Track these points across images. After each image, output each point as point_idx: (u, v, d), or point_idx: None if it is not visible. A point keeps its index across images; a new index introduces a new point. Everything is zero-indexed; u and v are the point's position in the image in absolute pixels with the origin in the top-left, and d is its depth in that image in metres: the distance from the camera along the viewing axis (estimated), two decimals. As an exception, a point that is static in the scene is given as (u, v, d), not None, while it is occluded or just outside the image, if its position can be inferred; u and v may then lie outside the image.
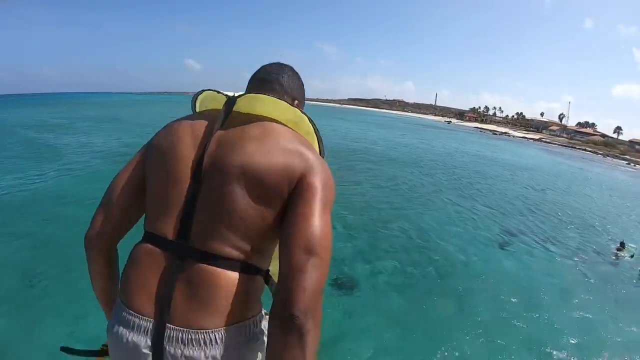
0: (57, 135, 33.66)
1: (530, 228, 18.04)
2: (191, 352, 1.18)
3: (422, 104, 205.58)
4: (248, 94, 1.39)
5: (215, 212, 1.23)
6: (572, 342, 8.73)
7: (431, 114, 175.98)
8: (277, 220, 1.25)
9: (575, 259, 14.54)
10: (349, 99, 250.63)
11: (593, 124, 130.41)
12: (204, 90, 1.51)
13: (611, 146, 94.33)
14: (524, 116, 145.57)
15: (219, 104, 1.41)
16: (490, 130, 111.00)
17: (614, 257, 15.27)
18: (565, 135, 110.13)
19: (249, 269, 1.27)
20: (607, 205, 26.77)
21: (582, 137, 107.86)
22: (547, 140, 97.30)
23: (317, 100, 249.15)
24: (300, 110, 1.42)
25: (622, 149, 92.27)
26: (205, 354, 1.18)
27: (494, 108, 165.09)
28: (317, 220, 1.18)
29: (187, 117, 1.47)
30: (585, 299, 11.17)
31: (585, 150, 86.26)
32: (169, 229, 1.27)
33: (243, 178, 1.22)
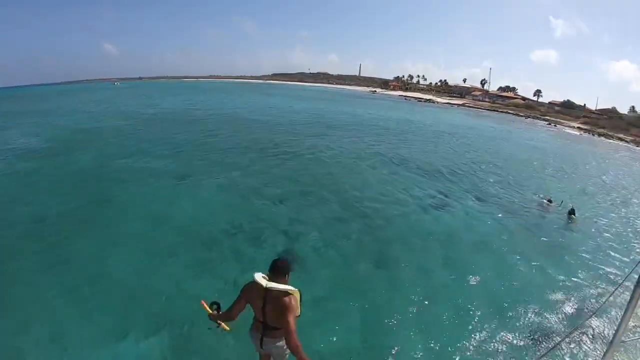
0: None
1: (462, 188, 19.77)
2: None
3: (347, 76, 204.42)
4: (271, 282, 4.55)
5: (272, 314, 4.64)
6: (515, 284, 10.39)
7: (355, 84, 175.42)
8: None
9: (508, 212, 16.61)
10: (273, 75, 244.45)
11: (514, 88, 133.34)
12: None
13: (532, 108, 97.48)
14: (447, 83, 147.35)
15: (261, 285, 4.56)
16: (415, 98, 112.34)
17: (544, 208, 17.53)
18: (487, 100, 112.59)
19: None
20: (532, 162, 28.97)
21: (503, 100, 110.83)
22: (471, 105, 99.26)
23: (242, 77, 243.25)
24: (289, 284, 4.67)
25: (542, 110, 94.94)
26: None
27: (418, 76, 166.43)
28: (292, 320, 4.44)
29: (252, 282, 4.63)
30: (522, 245, 13.08)
31: (507, 112, 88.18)
32: (259, 316, 4.70)
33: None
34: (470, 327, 8.37)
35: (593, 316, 8.68)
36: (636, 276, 3.06)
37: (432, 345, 7.80)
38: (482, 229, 14.44)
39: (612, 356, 3.19)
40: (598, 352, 7.83)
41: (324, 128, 37.76)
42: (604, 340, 8.12)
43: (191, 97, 78.76)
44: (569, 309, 9.36)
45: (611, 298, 8.86)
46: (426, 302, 9.22)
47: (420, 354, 7.53)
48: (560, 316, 9.03)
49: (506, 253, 12.35)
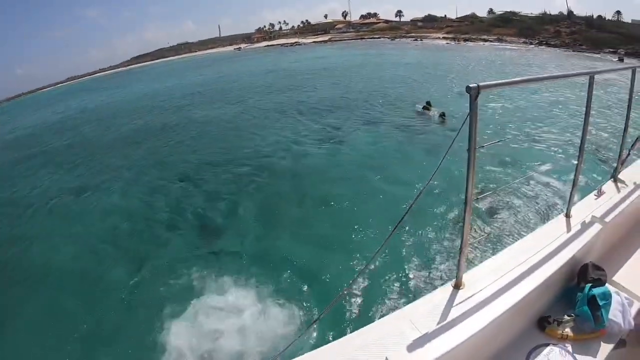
0: None
1: (350, 118, 20.56)
2: None
3: (208, 40, 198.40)
4: None
5: None
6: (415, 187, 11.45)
7: (219, 46, 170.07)
8: None
9: (392, 125, 18.12)
10: (132, 59, 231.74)
11: (375, 14, 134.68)
12: None
13: (397, 29, 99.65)
14: (309, 22, 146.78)
15: None
16: (281, 45, 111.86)
17: (423, 115, 18.98)
18: (352, 30, 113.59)
19: None
20: (408, 76, 30.60)
21: (368, 27, 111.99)
22: (337, 39, 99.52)
23: (100, 71, 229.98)
24: None
25: (406, 29, 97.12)
26: None
27: (279, 22, 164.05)
28: None
29: None
30: (408, 150, 14.91)
31: (373, 37, 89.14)
32: None
33: None
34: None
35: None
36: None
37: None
38: (372, 148, 15.80)
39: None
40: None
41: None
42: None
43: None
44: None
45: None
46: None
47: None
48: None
49: (392, 163, 13.90)
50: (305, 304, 7.89)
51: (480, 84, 2.15)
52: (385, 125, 18.62)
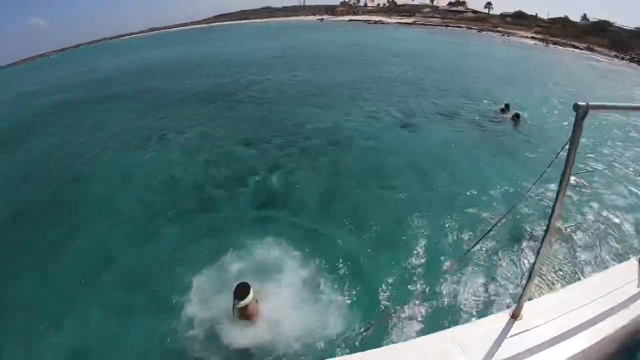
0: None
1: (425, 106, 20.16)
2: None
3: (291, 7, 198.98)
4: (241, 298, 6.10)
5: None
6: (474, 190, 11.03)
7: (302, 14, 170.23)
8: None
9: (468, 123, 17.36)
10: (215, 17, 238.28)
11: (464, 2, 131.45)
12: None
13: (484, 21, 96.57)
14: (395, 2, 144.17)
15: None
16: (364, 21, 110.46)
17: (498, 116, 18.00)
18: (438, 16, 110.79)
19: None
20: (488, 74, 29.15)
21: (454, 15, 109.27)
22: (422, 23, 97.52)
23: (183, 25, 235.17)
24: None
25: (494, 22, 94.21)
26: None
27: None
28: None
29: None
30: (478, 152, 14.02)
31: (459, 27, 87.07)
32: None
33: None
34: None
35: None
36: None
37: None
38: (442, 141, 15.30)
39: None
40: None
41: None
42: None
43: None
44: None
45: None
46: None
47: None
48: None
49: (460, 161, 13.41)
50: (347, 303, 7.46)
51: (591, 102, 2.05)
52: (458, 119, 18.10)
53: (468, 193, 10.85)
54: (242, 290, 6.58)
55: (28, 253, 10.93)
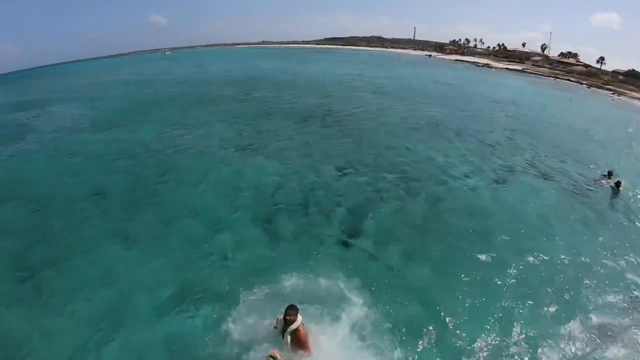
0: (29, 114, 34.53)
1: (525, 160, 19.82)
2: None
3: (401, 39, 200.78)
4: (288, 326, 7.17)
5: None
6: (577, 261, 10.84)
7: (411, 48, 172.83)
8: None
9: (566, 187, 16.67)
10: (325, 39, 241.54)
11: (575, 54, 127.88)
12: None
13: (594, 76, 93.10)
14: (505, 47, 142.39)
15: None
16: (471, 62, 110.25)
17: (599, 183, 17.15)
18: (547, 66, 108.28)
19: None
20: (594, 135, 27.54)
21: (564, 67, 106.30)
22: (530, 71, 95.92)
23: (294, 42, 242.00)
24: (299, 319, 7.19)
25: (605, 79, 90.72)
26: None
27: (475, 40, 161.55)
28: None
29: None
30: (574, 220, 13.61)
31: (569, 80, 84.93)
32: None
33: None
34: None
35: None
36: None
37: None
38: (539, 206, 14.50)
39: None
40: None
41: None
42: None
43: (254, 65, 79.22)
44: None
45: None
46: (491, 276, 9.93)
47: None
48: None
49: (551, 229, 12.76)
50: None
51: None
52: (554, 181, 17.17)
53: (562, 276, 10.12)
54: (291, 312, 7.26)
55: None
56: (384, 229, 12.51)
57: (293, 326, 7.14)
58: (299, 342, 7.22)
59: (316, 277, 9.57)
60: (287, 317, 7.17)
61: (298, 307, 7.43)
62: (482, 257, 10.81)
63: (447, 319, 8.38)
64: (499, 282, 9.67)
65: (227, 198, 14.88)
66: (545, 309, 8.88)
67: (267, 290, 9.05)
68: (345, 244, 11.63)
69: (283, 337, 7.21)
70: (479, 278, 9.82)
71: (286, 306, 7.36)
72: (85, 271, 10.63)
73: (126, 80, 58.79)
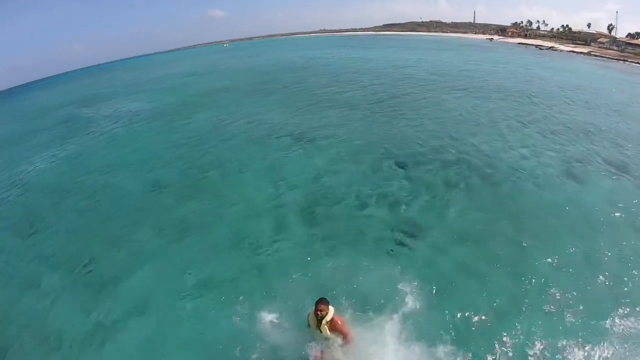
0: (91, 108, 39.07)
1: (597, 153, 17.81)
2: None
3: (460, 23, 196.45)
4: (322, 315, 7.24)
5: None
6: None
7: (471, 32, 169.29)
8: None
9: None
10: (384, 25, 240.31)
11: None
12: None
13: None
14: (570, 29, 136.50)
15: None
16: (535, 45, 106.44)
17: None
18: (615, 48, 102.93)
19: None
20: None
21: (633, 49, 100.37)
22: (597, 54, 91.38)
23: (351, 30, 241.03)
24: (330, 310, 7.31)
25: None
26: None
27: (537, 21, 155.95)
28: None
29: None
30: None
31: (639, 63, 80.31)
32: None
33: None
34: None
35: None
36: None
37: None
38: (608, 205, 12.96)
39: None
40: None
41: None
42: None
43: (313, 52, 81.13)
44: None
45: None
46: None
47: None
48: None
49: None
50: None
51: None
52: (630, 176, 15.05)
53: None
54: (321, 306, 7.25)
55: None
56: (447, 225, 12.01)
57: (327, 317, 7.21)
58: (337, 330, 7.26)
59: (368, 271, 9.61)
60: (318, 312, 7.21)
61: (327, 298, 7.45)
62: (554, 261, 9.87)
63: (512, 330, 7.76)
64: (575, 293, 8.68)
65: (278, 188, 15.09)
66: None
67: (311, 284, 9.27)
68: (402, 241, 11.32)
69: (321, 331, 7.25)
70: (553, 287, 8.91)
71: (315, 301, 7.38)
72: (132, 259, 11.51)
73: (185, 72, 62.72)
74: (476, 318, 8.09)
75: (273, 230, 12.36)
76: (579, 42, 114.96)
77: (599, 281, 9.13)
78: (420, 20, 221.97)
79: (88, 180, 18.22)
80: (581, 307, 8.23)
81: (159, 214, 14.01)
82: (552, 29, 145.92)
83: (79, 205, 15.81)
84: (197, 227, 12.95)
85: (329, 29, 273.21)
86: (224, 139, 21.69)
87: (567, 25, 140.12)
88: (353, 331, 7.47)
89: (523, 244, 10.77)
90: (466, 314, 8.15)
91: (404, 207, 13.29)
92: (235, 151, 19.40)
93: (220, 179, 16.35)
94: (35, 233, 14.28)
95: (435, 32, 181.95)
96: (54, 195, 17.33)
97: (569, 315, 8.08)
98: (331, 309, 7.31)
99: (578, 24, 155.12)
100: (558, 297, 8.58)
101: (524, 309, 8.31)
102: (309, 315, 7.56)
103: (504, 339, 7.55)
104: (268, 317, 8.30)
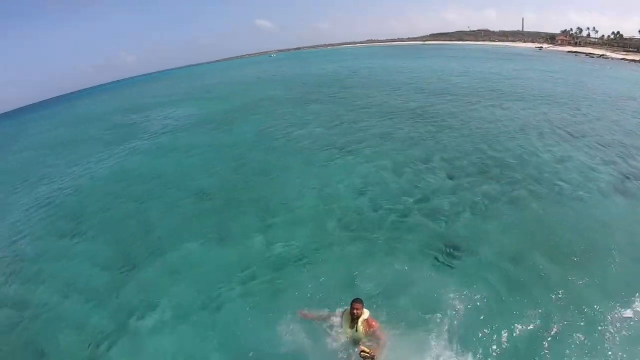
0: (140, 115, 41.07)
1: None
2: None
3: (509, 31, 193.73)
4: (357, 314, 7.36)
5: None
6: None
7: (519, 40, 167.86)
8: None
9: None
10: (431, 35, 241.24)
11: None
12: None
13: None
14: (621, 35, 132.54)
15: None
16: (585, 53, 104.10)
17: None
18: None
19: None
20: None
21: None
22: None
23: (399, 40, 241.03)
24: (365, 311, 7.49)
25: None
26: None
27: (587, 29, 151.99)
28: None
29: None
30: None
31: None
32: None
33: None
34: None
35: None
36: None
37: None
38: None
39: None
40: None
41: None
42: None
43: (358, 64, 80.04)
44: None
45: None
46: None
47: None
48: None
49: None
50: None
51: None
52: None
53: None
54: (357, 305, 7.33)
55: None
56: (495, 239, 11.49)
57: (363, 316, 7.29)
58: (371, 330, 7.30)
59: (410, 280, 9.54)
60: (354, 310, 7.25)
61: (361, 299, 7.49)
62: (605, 282, 9.22)
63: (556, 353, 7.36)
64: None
65: (322, 197, 15.01)
66: None
67: (351, 289, 9.21)
68: (447, 252, 11.04)
69: (356, 330, 7.28)
70: (603, 311, 8.25)
71: (352, 300, 7.40)
72: (178, 264, 11.64)
73: (232, 81, 65.35)
74: (521, 335, 7.78)
75: (316, 238, 12.23)
76: (630, 49, 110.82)
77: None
78: (468, 29, 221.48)
79: (135, 185, 18.69)
80: (630, 333, 7.64)
81: (203, 222, 13.99)
82: (603, 35, 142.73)
83: (126, 209, 16.17)
84: (239, 235, 12.88)
85: (376, 39, 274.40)
86: (270, 147, 21.80)
87: (618, 32, 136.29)
88: (388, 335, 7.44)
89: (574, 259, 10.20)
90: (512, 331, 7.82)
91: (449, 218, 12.90)
92: (281, 160, 19.36)
93: (265, 187, 16.23)
94: (81, 234, 14.73)
95: (483, 40, 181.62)
96: (102, 198, 17.89)
97: (616, 339, 7.53)
98: (366, 310, 7.37)
99: (630, 31, 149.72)
100: (609, 319, 7.98)
101: (569, 330, 7.80)
102: (343, 313, 7.62)
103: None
104: (306, 321, 8.28)
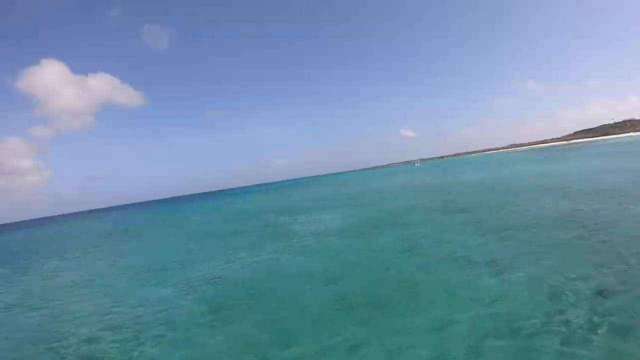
0: (288, 217, 42.88)
1: None
2: None
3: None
4: None
5: None
6: None
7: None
8: None
9: None
10: (575, 133, 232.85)
11: None
12: None
13: None
14: None
15: None
16: None
17: None
18: None
19: None
20: None
21: None
22: None
23: (542, 142, 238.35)
24: None
25: None
26: None
27: None
28: None
29: None
30: None
31: None
32: None
33: None
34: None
35: None
36: None
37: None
38: None
39: None
40: None
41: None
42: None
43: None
44: None
45: None
46: None
47: None
48: None
49: None
50: None
51: None
52: None
53: None
54: None
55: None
56: None
57: None
58: None
59: None
60: None
61: None
62: None
63: None
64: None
65: (473, 319, 10.97)
66: None
67: None
68: None
69: None
70: None
71: None
72: None
73: (378, 189, 67.67)
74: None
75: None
76: None
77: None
78: (612, 122, 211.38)
79: (277, 284, 17.83)
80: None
81: (338, 329, 12.08)
82: None
83: (262, 306, 15.06)
84: (377, 350, 10.69)
85: (517, 142, 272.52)
86: (413, 259, 18.97)
87: None
88: None
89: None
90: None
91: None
92: (422, 273, 16.55)
93: (405, 301, 13.67)
94: (214, 323, 14.02)
95: (629, 131, 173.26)
96: (240, 291, 17.53)
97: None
98: None
99: None
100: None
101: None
102: None
103: None
104: None
